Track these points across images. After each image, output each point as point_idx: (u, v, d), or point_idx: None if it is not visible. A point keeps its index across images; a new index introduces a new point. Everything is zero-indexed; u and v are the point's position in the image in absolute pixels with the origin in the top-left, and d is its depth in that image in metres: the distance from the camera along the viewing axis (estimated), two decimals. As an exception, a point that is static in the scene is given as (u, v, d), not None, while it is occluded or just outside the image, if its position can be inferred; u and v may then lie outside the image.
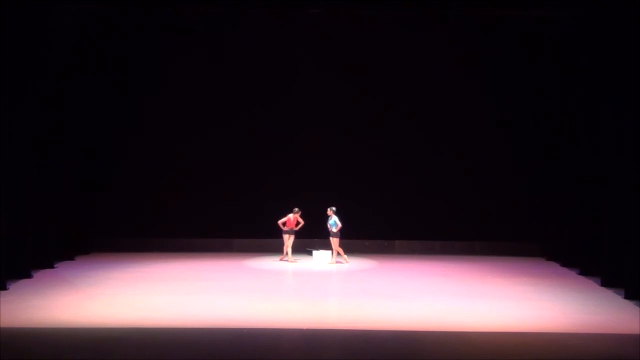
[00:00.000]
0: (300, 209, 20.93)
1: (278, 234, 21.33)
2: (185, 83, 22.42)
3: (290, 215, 20.85)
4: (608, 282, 17.16)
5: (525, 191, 22.37)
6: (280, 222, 20.85)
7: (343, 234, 20.77)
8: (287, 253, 21.01)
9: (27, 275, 17.46)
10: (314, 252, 21.41)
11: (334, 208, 20.64)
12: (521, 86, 22.26)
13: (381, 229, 22.55)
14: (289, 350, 12.21)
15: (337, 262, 20.79)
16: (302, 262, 21.00)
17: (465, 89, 22.42)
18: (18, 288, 16.35)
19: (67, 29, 20.46)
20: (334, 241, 20.67)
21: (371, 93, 22.45)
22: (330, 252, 21.16)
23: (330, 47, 22.25)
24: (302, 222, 20.89)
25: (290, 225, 20.88)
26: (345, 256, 20.82)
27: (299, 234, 21.12)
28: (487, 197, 22.45)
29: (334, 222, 20.55)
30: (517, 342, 12.46)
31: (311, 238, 21.78)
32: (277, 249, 21.80)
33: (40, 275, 17.99)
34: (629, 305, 15.41)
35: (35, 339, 12.25)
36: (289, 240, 20.94)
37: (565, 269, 20.04)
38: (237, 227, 22.51)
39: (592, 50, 18.55)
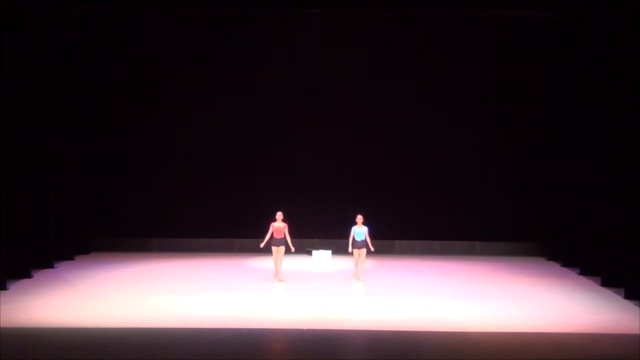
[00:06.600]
0: (283, 210, 17.90)
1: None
2: (187, 85, 22.36)
3: (274, 223, 17.67)
4: (608, 282, 17.17)
5: (525, 191, 22.35)
6: (267, 236, 17.66)
7: (345, 234, 19.23)
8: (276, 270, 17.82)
9: (27, 275, 17.47)
10: (314, 252, 21.39)
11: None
12: (521, 86, 22.22)
13: (381, 229, 22.46)
14: (289, 350, 12.22)
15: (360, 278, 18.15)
16: (302, 262, 20.91)
17: (465, 89, 22.38)
18: (18, 288, 16.36)
19: (67, 28, 20.43)
20: (362, 252, 17.85)
21: (371, 93, 22.41)
22: (330, 252, 21.20)
23: (330, 47, 22.20)
24: (286, 225, 17.62)
25: (278, 235, 17.63)
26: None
27: (297, 233, 18.55)
28: (487, 197, 22.42)
29: (363, 233, 17.84)
30: (517, 342, 12.46)
31: (311, 238, 21.75)
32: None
33: (40, 275, 17.98)
34: (629, 305, 15.42)
35: (35, 339, 12.27)
36: (278, 254, 17.63)
37: (565, 269, 20.03)
38: (238, 227, 22.47)
39: (593, 48, 18.53)
